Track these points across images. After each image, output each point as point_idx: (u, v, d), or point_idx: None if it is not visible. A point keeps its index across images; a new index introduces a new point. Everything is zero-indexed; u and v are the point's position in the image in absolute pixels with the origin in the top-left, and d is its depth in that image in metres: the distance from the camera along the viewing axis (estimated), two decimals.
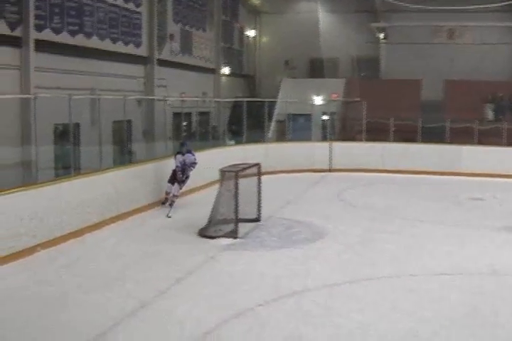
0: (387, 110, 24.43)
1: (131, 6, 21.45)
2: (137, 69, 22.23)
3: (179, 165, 15.70)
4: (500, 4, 28.33)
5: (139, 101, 21.12)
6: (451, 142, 23.67)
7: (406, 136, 24.73)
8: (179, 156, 15.77)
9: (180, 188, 15.88)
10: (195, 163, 15.93)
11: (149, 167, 16.09)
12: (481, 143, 23.65)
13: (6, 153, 14.05)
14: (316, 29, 31.05)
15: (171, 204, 15.51)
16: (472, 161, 22.97)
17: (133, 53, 21.78)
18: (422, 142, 24.00)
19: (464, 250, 12.41)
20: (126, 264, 10.88)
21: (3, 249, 10.57)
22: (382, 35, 32.98)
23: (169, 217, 14.79)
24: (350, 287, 9.94)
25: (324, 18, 31.57)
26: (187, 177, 15.94)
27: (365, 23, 32.29)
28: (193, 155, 15.97)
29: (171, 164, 16.11)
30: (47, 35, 16.89)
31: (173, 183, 15.77)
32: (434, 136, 24.31)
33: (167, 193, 15.92)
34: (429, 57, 31.35)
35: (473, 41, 31.29)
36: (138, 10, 21.93)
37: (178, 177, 15.70)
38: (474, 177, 22.22)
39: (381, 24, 32.77)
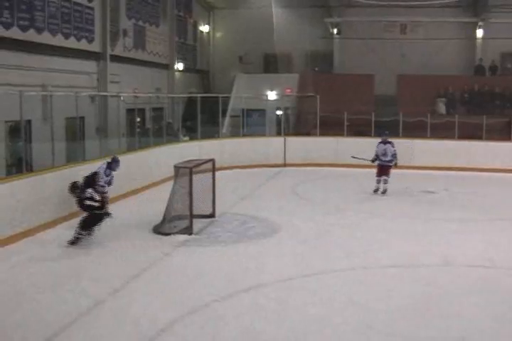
0: (341, 104, 24.59)
1: (83, 1, 21.16)
2: (90, 65, 21.96)
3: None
4: (452, 0, 28.73)
5: (92, 98, 20.88)
6: (404, 136, 23.92)
7: (360, 130, 24.96)
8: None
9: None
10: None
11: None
12: (433, 136, 23.95)
13: None
14: (270, 24, 31.02)
15: None
16: (424, 155, 23.27)
17: (85, 49, 21.48)
18: (376, 136, 24.19)
19: (417, 242, 12.60)
20: (81, 262, 10.80)
21: None
22: (335, 30, 33.13)
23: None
24: (305, 281, 10.02)
25: (278, 13, 31.55)
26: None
27: (318, 18, 32.40)
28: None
29: (123, 162, 15.99)
30: None
31: None
32: (387, 129, 24.54)
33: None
34: (382, 52, 31.60)
35: (425, 36, 31.63)
36: (90, 5, 21.64)
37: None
38: (426, 170, 22.52)
39: (335, 19, 32.93)
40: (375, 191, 18.18)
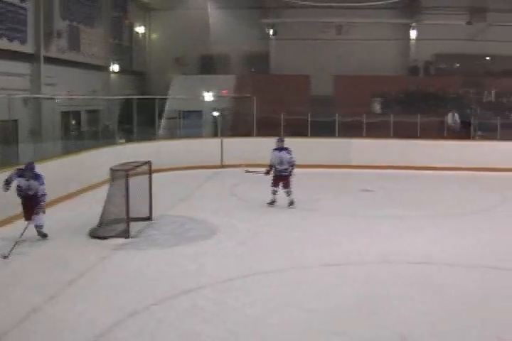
0: (278, 105, 24.74)
1: (16, 1, 20.81)
2: (23, 67, 21.62)
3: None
4: (386, 2, 29.14)
5: (26, 100, 20.56)
6: (341, 136, 24.18)
7: (297, 130, 25.11)
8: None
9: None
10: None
11: (38, 167, 15.62)
12: (369, 136, 24.26)
13: None
14: (206, 25, 31.07)
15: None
16: (361, 154, 23.55)
17: (18, 50, 21.15)
18: (313, 136, 24.40)
19: (356, 240, 12.73)
20: (16, 269, 10.57)
21: None
22: (272, 31, 33.30)
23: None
24: (244, 282, 10.01)
25: (215, 14, 31.60)
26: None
27: (255, 19, 32.54)
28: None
29: (59, 165, 15.79)
30: None
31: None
32: (324, 130, 24.79)
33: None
34: (318, 53, 31.92)
35: (360, 37, 32.03)
36: (23, 5, 21.31)
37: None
38: (363, 169, 22.80)
39: (271, 20, 33.14)
40: (271, 203, 16.20)
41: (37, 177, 12.17)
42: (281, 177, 16.08)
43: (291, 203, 16.03)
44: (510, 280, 10.26)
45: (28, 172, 12.09)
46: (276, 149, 16.32)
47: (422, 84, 29.61)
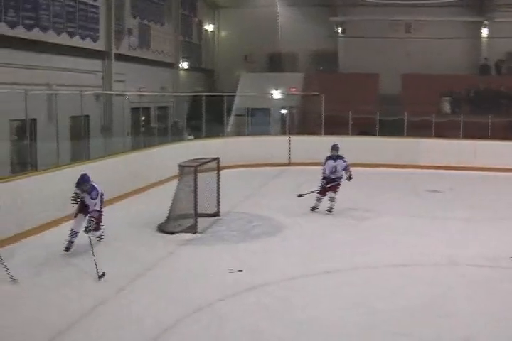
0: (346, 104, 24.57)
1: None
2: (95, 64, 22.00)
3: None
4: None
5: (97, 97, 20.93)
6: (409, 135, 23.90)
7: (364, 129, 24.96)
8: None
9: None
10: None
11: (108, 162, 15.96)
12: (438, 136, 23.91)
13: None
14: (274, 23, 31.05)
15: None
16: (430, 154, 23.24)
17: (90, 47, 21.51)
18: (380, 135, 24.20)
19: (422, 241, 12.58)
20: (85, 261, 10.76)
21: None
22: (340, 30, 33.13)
23: None
24: (309, 280, 10.01)
25: (283, 12, 31.57)
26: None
27: (323, 17, 32.38)
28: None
29: (128, 161, 16.04)
30: (2, 29, 16.58)
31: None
32: (392, 129, 24.55)
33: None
34: (387, 51, 31.59)
35: (429, 35, 31.56)
36: (95, 4, 21.68)
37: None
38: (432, 169, 22.49)
39: (339, 18, 32.93)
40: (314, 209, 15.33)
41: (91, 190, 11.18)
42: (331, 186, 15.16)
43: (331, 209, 15.12)
44: None
45: (82, 184, 11.19)
46: (330, 158, 15.25)
47: (493, 83, 28.99)
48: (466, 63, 32.03)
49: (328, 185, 15.10)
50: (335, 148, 15.28)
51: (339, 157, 15.20)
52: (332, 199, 15.18)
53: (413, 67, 30.13)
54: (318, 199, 15.31)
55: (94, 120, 20.11)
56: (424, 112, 24.67)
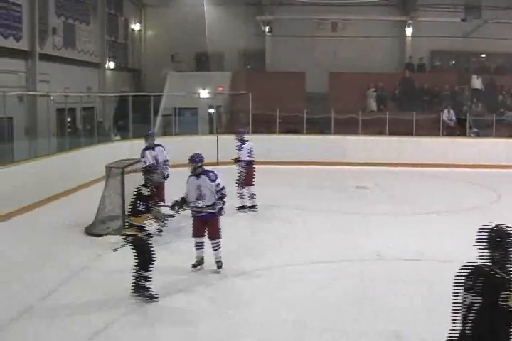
0: (273, 102, 24.71)
1: None
2: (18, 64, 21.55)
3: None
4: None
5: (21, 98, 20.53)
6: (336, 133, 24.22)
7: (292, 127, 25.18)
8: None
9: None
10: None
11: (33, 165, 15.68)
12: (364, 133, 24.30)
13: None
14: (202, 22, 30.94)
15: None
16: (356, 151, 23.60)
17: (13, 47, 21.08)
18: (308, 133, 24.44)
19: (349, 236, 12.78)
20: (11, 266, 10.58)
21: None
22: (267, 28, 33.25)
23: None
24: (238, 280, 10.09)
25: (210, 11, 31.49)
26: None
27: (250, 16, 32.42)
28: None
29: (54, 163, 15.77)
30: None
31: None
32: (319, 127, 24.84)
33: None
34: (314, 50, 31.84)
35: (355, 34, 31.95)
36: (18, 2, 21.22)
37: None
38: (358, 166, 22.83)
39: (266, 17, 33.00)
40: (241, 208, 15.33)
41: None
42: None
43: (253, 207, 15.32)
44: None
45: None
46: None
47: (417, 81, 29.59)
48: (392, 62, 32.57)
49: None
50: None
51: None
52: (252, 196, 15.32)
53: (340, 66, 30.44)
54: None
55: (18, 122, 19.71)
56: (350, 110, 25.05)
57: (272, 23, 33.02)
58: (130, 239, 8.97)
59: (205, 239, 10.52)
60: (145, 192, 9.12)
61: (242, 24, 31.89)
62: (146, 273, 8.96)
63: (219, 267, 10.43)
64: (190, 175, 10.53)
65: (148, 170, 9.76)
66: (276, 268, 10.69)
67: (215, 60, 32.70)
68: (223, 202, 10.46)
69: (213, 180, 10.25)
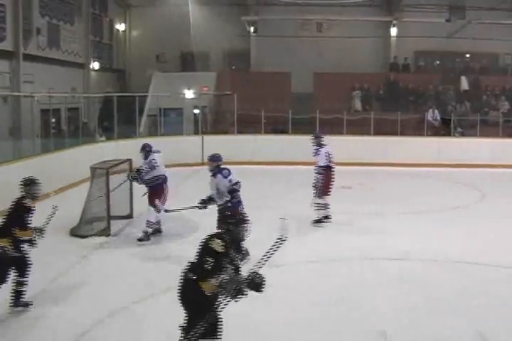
0: (258, 102, 24.76)
1: None
2: (2, 65, 21.46)
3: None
4: None
5: (4, 98, 20.45)
6: (321, 132, 24.21)
7: (277, 127, 25.21)
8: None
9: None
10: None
11: (16, 166, 15.59)
12: (349, 133, 24.35)
13: None
14: (187, 22, 30.91)
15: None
16: (341, 151, 23.55)
17: None
18: (293, 133, 24.47)
19: (335, 237, 12.81)
20: None
21: None
22: (252, 29, 33.26)
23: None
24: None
25: (195, 11, 31.47)
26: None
27: (235, 16, 32.40)
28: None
29: (38, 164, 15.69)
30: None
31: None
32: (304, 127, 24.87)
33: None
34: (298, 50, 31.89)
35: (340, 35, 32.01)
36: (1, 2, 21.13)
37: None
38: (343, 166, 22.79)
39: (251, 17, 33.02)
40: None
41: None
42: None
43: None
44: (489, 275, 10.36)
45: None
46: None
47: (401, 81, 29.72)
48: (377, 62, 32.73)
49: None
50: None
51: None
52: (326, 206, 14.22)
53: (325, 66, 30.51)
54: None
55: (2, 122, 19.63)
56: (335, 110, 25.12)
57: (257, 24, 33.06)
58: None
59: None
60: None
61: (227, 24, 31.84)
62: (22, 279, 8.68)
63: None
64: (211, 175, 11.17)
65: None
66: (264, 268, 10.67)
67: (200, 60, 32.70)
68: (232, 196, 10.97)
69: (226, 177, 10.90)
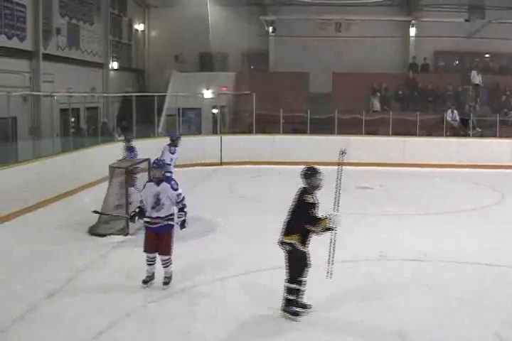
0: (277, 102, 24.82)
1: None
2: (22, 64, 21.59)
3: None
4: None
5: (25, 98, 20.55)
6: (340, 133, 24.20)
7: (295, 127, 25.19)
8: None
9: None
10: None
11: (37, 165, 15.70)
12: (368, 133, 24.30)
13: None
14: (205, 22, 30.99)
15: None
16: (360, 151, 23.55)
17: (17, 47, 21.12)
18: (311, 133, 24.44)
19: (353, 237, 12.74)
20: (14, 265, 10.59)
21: None
22: (271, 29, 33.25)
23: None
24: (241, 280, 10.04)
25: (213, 12, 31.54)
26: None
27: (254, 16, 32.43)
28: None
29: (57, 163, 15.76)
30: None
31: None
32: (323, 127, 24.84)
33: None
34: (317, 50, 31.87)
35: (359, 35, 31.97)
36: (22, 2, 21.27)
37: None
38: (362, 166, 22.79)
39: (270, 17, 33.02)
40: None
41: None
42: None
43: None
44: (507, 276, 10.30)
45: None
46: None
47: (420, 81, 29.59)
48: (395, 62, 32.60)
49: None
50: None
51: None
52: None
53: (343, 66, 30.46)
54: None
55: (22, 122, 19.74)
56: (354, 110, 25.08)
57: (276, 23, 33.04)
58: None
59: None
60: None
61: (246, 24, 31.89)
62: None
63: (165, 283, 9.57)
64: (149, 181, 10.12)
65: None
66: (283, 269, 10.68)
67: (219, 60, 32.77)
68: (185, 213, 9.84)
69: (176, 189, 9.77)
